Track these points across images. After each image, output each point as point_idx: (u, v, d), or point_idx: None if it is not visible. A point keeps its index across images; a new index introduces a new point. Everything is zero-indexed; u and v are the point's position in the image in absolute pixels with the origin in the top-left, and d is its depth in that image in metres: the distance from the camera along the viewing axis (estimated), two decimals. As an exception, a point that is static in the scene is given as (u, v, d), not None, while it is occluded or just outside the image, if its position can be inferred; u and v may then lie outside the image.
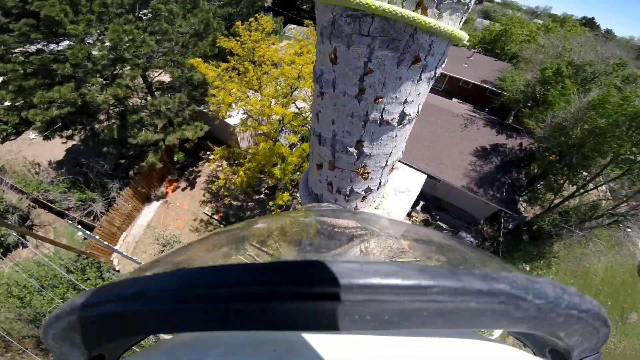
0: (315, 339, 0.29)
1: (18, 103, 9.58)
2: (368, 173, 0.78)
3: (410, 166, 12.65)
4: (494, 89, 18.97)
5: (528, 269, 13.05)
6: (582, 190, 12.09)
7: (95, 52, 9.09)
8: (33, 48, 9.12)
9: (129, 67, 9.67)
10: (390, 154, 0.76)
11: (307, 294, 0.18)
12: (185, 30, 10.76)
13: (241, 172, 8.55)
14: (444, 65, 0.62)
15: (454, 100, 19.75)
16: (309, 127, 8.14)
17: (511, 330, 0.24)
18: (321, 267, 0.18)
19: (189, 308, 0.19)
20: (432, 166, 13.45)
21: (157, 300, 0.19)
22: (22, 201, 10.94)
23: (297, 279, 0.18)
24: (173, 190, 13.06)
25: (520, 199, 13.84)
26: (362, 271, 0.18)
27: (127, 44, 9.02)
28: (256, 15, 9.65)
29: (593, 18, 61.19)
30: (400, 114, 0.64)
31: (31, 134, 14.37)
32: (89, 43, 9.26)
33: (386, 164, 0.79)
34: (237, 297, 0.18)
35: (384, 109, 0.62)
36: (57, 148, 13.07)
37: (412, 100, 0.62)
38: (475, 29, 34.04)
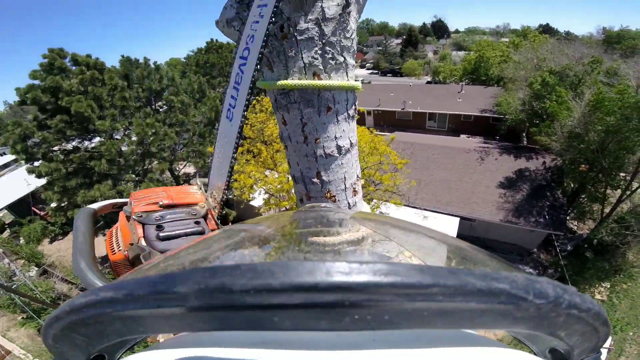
0: (316, 339, 0.29)
1: (64, 204, 10.20)
2: (334, 196, 1.00)
3: (439, 212, 12.29)
4: (494, 115, 19.15)
5: (608, 286, 11.37)
6: (628, 192, 11.21)
7: (124, 148, 9.87)
8: (70, 146, 9.90)
9: (156, 162, 10.44)
10: (345, 178, 1.00)
11: (307, 293, 0.18)
12: (199, 119, 11.69)
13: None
14: (355, 107, 0.90)
15: (462, 136, 19.94)
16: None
17: (511, 330, 0.24)
18: (321, 267, 0.18)
19: (185, 310, 0.20)
20: (461, 207, 12.88)
21: (149, 301, 0.20)
22: (72, 290, 11.48)
23: (297, 279, 0.18)
24: None
25: (567, 217, 12.80)
26: (362, 270, 0.18)
27: (152, 137, 9.78)
28: (257, 97, 10.35)
29: (548, 24, 63.15)
30: (336, 147, 0.90)
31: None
32: (117, 139, 10.09)
33: (345, 187, 1.02)
34: (237, 297, 0.18)
35: (323, 146, 0.88)
36: (101, 245, 13.96)
37: (340, 136, 0.89)
38: (454, 63, 35.67)
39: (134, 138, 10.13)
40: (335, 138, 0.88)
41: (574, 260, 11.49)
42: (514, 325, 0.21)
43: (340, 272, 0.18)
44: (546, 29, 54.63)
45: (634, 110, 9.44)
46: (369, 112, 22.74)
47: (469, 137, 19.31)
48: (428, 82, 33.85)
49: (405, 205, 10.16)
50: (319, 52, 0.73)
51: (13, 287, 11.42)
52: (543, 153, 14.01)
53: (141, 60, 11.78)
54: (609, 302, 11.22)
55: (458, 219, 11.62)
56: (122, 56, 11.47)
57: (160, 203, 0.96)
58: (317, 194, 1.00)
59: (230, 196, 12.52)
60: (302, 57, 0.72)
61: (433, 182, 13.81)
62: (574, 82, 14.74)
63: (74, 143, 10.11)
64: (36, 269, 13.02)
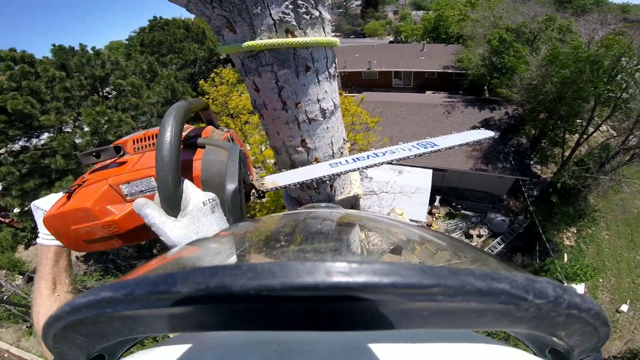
0: (316, 339, 0.29)
1: (27, 207, 9.51)
2: (319, 160, 0.96)
3: (413, 166, 12.78)
4: (457, 71, 19.76)
5: (575, 231, 12.48)
6: (585, 136, 12.16)
7: (78, 140, 9.19)
8: (17, 147, 9.11)
9: None
10: (332, 142, 0.96)
11: (307, 293, 0.18)
12: (155, 100, 10.92)
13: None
14: (335, 65, 0.84)
15: (428, 93, 20.42)
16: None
17: (511, 330, 0.24)
18: (321, 267, 0.18)
19: (184, 310, 0.20)
20: (433, 159, 13.52)
21: (149, 301, 0.20)
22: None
23: (297, 279, 0.18)
24: None
25: (531, 162, 13.75)
26: (363, 270, 0.18)
27: (106, 125, 9.15)
28: (215, 70, 9.85)
29: None
30: (319, 110, 0.84)
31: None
32: (68, 132, 9.41)
33: (333, 152, 0.98)
34: (237, 298, 0.18)
35: (305, 110, 0.82)
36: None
37: (323, 98, 0.83)
38: (415, 22, 35.77)
39: (86, 129, 9.42)
40: (318, 100, 0.82)
41: (542, 206, 12.39)
42: (514, 325, 0.22)
43: (341, 272, 0.18)
44: (501, -13, 54.62)
45: (587, 63, 10.27)
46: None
47: (434, 93, 19.90)
48: (391, 42, 33.64)
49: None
50: (290, 6, 0.65)
51: (4, 298, 10.92)
52: (505, 104, 14.81)
53: (77, 48, 10.65)
54: (577, 247, 12.33)
55: (431, 170, 12.17)
56: (54, 45, 10.31)
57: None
58: (303, 163, 0.96)
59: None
60: (271, 14, 0.64)
61: (404, 137, 14.23)
62: (530, 38, 15.66)
63: (20, 143, 9.32)
64: (21, 277, 12.52)
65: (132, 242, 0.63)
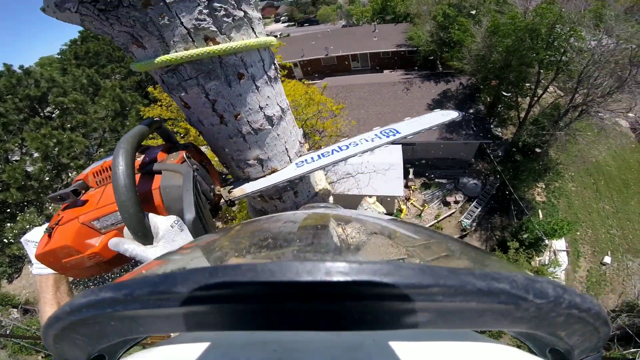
0: (316, 339, 0.29)
1: None
2: (277, 170, 0.89)
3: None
4: (409, 49, 20.12)
5: (543, 186, 13.16)
6: (536, 98, 12.90)
7: (30, 168, 8.49)
8: None
9: (74, 172, 9.21)
10: (286, 149, 0.89)
11: (307, 293, 0.18)
12: (104, 114, 10.21)
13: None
14: (275, 66, 0.76)
15: (385, 72, 20.69)
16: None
17: (512, 330, 0.24)
18: (320, 267, 0.18)
19: (184, 310, 0.20)
20: (400, 134, 13.91)
21: (149, 301, 0.20)
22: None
23: (297, 279, 0.18)
24: None
25: (491, 126, 14.45)
26: (362, 270, 0.18)
27: (57, 149, 8.48)
28: (164, 75, 9.44)
29: None
30: (264, 118, 0.76)
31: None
32: (16, 160, 8.72)
33: (290, 158, 0.91)
34: (237, 298, 0.18)
35: (247, 121, 0.74)
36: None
37: (267, 104, 0.75)
38: (364, 5, 36.09)
39: (35, 154, 8.72)
40: (261, 108, 0.74)
41: (508, 165, 12.95)
42: (514, 325, 0.22)
43: (340, 272, 0.18)
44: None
45: (526, 32, 10.91)
46: (295, 64, 22.53)
47: (391, 72, 20.15)
48: (344, 26, 33.57)
49: None
50: (205, 11, 0.56)
51: (7, 332, 10.49)
52: (458, 75, 15.39)
53: (1, 69, 9.68)
54: (549, 202, 12.93)
55: (400, 146, 12.42)
56: None
57: None
58: (258, 175, 0.89)
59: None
60: (182, 22, 0.55)
61: (370, 118, 14.53)
62: (470, 12, 16.21)
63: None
64: (15, 310, 11.87)
65: (123, 264, 0.68)
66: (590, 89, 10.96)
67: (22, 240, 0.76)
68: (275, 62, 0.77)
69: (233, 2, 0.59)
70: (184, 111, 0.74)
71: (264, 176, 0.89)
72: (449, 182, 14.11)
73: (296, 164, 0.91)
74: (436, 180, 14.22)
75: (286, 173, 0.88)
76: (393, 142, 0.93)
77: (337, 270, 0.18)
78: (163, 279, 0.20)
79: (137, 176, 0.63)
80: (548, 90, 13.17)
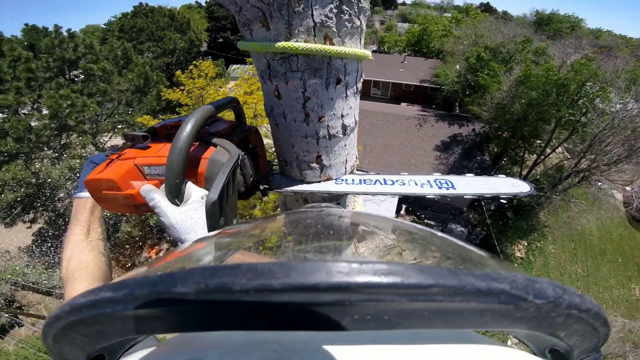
0: (316, 339, 0.29)
1: None
2: (332, 179, 0.89)
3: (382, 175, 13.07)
4: (432, 85, 20.47)
5: (526, 244, 13.35)
6: (542, 157, 13.05)
7: (34, 123, 8.52)
8: None
9: (76, 135, 9.18)
10: (346, 160, 0.88)
11: (307, 293, 0.18)
12: (125, 87, 10.30)
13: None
14: (362, 80, 0.77)
15: (403, 104, 21.02)
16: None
17: (511, 330, 0.25)
18: (321, 267, 0.18)
19: (184, 310, 0.20)
20: (401, 169, 13.94)
21: (147, 302, 0.20)
22: (1, 286, 10.39)
23: (298, 279, 0.18)
24: (156, 253, 12.48)
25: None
26: (363, 270, 0.18)
27: (68, 110, 8.52)
28: (194, 62, 9.41)
29: (488, 2, 68.11)
30: (341, 126, 0.76)
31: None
32: (24, 114, 8.72)
33: (346, 170, 0.91)
34: (237, 297, 0.18)
35: (328, 125, 0.74)
36: (22, 234, 12.59)
37: (347, 114, 0.75)
38: (400, 34, 36.87)
39: (45, 112, 8.67)
40: (342, 116, 0.74)
41: (498, 219, 13.07)
42: (514, 325, 0.22)
43: (341, 272, 0.18)
44: (486, 8, 58.65)
45: (554, 86, 10.76)
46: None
47: (408, 105, 20.46)
48: (374, 51, 34.34)
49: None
50: (335, 10, 0.57)
51: None
52: (473, 121, 15.53)
53: (51, 29, 9.89)
54: (527, 259, 13.07)
55: (399, 180, 12.48)
56: (26, 25, 9.57)
57: None
58: (313, 179, 0.88)
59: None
60: (313, 15, 0.56)
61: (377, 146, 14.65)
62: (506, 58, 16.28)
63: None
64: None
65: (144, 213, 0.72)
66: (599, 155, 10.89)
67: (88, 159, 0.79)
68: (363, 75, 0.78)
69: (356, 9, 0.60)
70: (271, 101, 0.73)
71: (319, 182, 0.88)
72: (437, 225, 14.16)
73: (334, 181, 0.90)
74: (426, 220, 14.27)
75: (325, 186, 0.88)
76: (442, 196, 0.85)
77: (337, 271, 0.18)
78: (163, 278, 0.20)
79: (197, 142, 0.69)
80: (556, 151, 13.29)
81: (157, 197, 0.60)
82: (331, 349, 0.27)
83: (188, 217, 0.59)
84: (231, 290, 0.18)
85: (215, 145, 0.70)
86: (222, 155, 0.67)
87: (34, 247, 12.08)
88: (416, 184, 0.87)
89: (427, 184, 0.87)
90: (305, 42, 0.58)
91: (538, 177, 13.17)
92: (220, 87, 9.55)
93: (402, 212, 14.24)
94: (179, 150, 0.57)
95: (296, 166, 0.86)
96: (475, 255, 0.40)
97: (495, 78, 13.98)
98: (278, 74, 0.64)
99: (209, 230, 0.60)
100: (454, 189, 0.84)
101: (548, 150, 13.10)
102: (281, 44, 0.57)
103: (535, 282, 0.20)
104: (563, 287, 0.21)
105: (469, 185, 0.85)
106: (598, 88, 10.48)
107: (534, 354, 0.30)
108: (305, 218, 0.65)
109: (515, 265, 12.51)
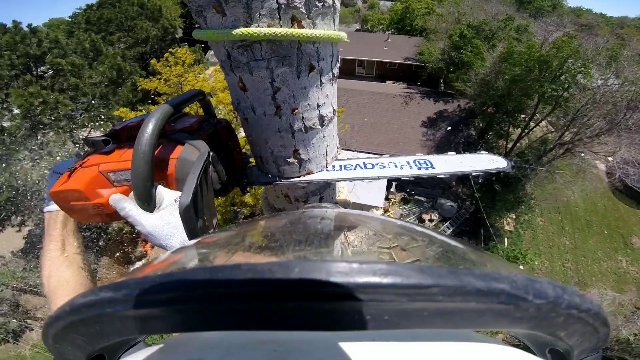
0: (316, 339, 0.29)
1: None
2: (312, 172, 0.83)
3: (372, 153, 13.09)
4: (417, 63, 20.28)
5: (514, 217, 13.73)
6: (527, 130, 13.28)
7: (7, 124, 8.27)
8: None
9: (52, 133, 8.92)
10: (327, 152, 0.83)
11: (307, 293, 0.18)
12: (98, 80, 9.96)
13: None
14: (339, 65, 0.70)
15: (388, 82, 20.82)
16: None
17: (511, 330, 0.24)
18: (321, 267, 0.18)
19: (184, 309, 0.19)
20: (390, 147, 14.04)
21: (148, 302, 0.19)
22: (3, 292, 10.41)
23: (299, 279, 0.17)
24: (151, 247, 12.42)
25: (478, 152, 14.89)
26: (363, 270, 0.18)
27: (40, 108, 8.24)
28: (170, 50, 9.08)
29: None
30: (318, 117, 0.70)
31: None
32: None
33: (327, 162, 0.85)
34: (237, 298, 0.18)
35: (303, 117, 0.68)
36: (14, 237, 12.35)
37: (324, 103, 0.69)
38: (382, 12, 36.04)
39: (16, 111, 8.33)
40: (318, 106, 0.68)
41: (486, 193, 13.29)
42: (514, 325, 0.22)
43: (340, 272, 0.18)
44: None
45: (536, 63, 10.97)
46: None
47: (394, 83, 20.32)
48: (357, 30, 33.50)
49: (343, 149, 10.82)
50: (302, -14, 0.49)
51: None
52: (458, 97, 15.62)
53: (9, 25, 9.37)
54: (516, 232, 13.44)
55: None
56: None
57: None
58: (292, 175, 0.82)
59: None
60: (276, -6, 0.48)
61: (365, 125, 14.65)
62: (488, 35, 16.39)
63: None
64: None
65: (120, 220, 0.68)
66: (581, 128, 11.28)
67: (52, 169, 0.76)
68: (339, 59, 0.71)
69: (326, -14, 0.53)
70: (237, 94, 0.66)
71: (299, 177, 0.83)
72: (427, 201, 14.40)
73: (330, 168, 0.86)
74: (415, 197, 14.49)
75: (313, 176, 0.83)
76: (421, 177, 0.84)
77: (337, 271, 0.18)
78: (162, 278, 0.20)
79: (164, 141, 0.65)
80: (540, 124, 13.56)
81: (128, 206, 0.57)
82: (331, 348, 0.27)
83: (164, 222, 0.57)
84: (231, 290, 0.18)
85: (183, 143, 0.65)
86: (192, 153, 0.63)
87: (27, 250, 11.93)
88: (396, 166, 0.85)
89: (406, 166, 0.85)
90: (268, 26, 0.51)
91: (524, 150, 13.42)
92: (200, 74, 9.20)
93: (392, 189, 14.39)
94: (142, 154, 0.53)
95: (272, 162, 0.80)
96: (476, 253, 0.39)
97: (478, 55, 14.10)
98: (240, 65, 0.57)
99: (187, 233, 0.57)
100: (433, 168, 0.83)
101: (532, 124, 13.41)
102: (240, 30, 0.49)
103: (535, 282, 0.20)
104: (563, 287, 0.21)
105: (448, 163, 0.84)
106: (580, 65, 10.78)
107: (534, 354, 0.29)
108: (290, 218, 0.62)
109: (506, 238, 13.02)
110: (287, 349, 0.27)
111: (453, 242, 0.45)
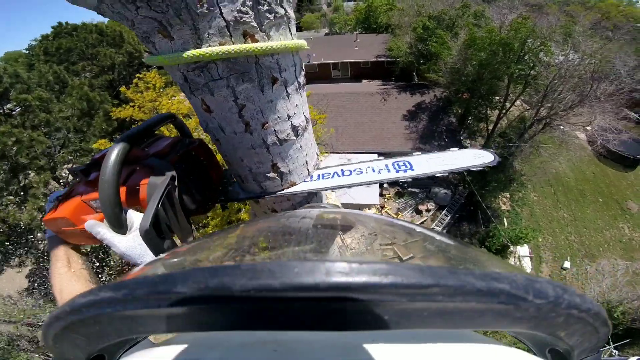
0: (316, 339, 0.29)
1: None
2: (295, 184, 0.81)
3: (359, 153, 13.23)
4: (388, 59, 20.66)
5: (508, 196, 13.97)
6: (504, 111, 13.67)
7: None
8: None
9: (33, 174, 8.68)
10: (306, 162, 0.81)
11: (307, 293, 0.18)
12: (69, 113, 9.72)
13: (209, 231, 8.13)
14: (304, 73, 0.68)
15: (364, 81, 21.10)
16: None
17: (511, 330, 0.24)
18: (321, 267, 0.18)
19: (184, 310, 0.19)
20: (376, 144, 14.20)
21: (149, 301, 0.19)
22: (19, 329, 10.22)
23: (297, 279, 0.17)
24: None
25: (462, 137, 15.11)
26: (363, 270, 0.18)
27: (15, 148, 8.01)
28: (137, 75, 8.82)
29: None
30: (291, 128, 0.69)
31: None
32: None
33: (309, 172, 0.83)
34: (236, 298, 0.18)
35: (275, 130, 0.66)
36: (16, 277, 11.96)
37: (294, 113, 0.67)
38: (347, 13, 36.59)
39: None
40: (289, 117, 0.66)
41: (477, 175, 13.43)
42: (514, 325, 0.22)
43: (340, 272, 0.18)
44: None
45: (499, 46, 11.49)
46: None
47: (370, 82, 20.57)
48: (327, 34, 33.92)
49: (330, 153, 10.84)
50: (249, 3, 0.48)
51: None
52: (433, 87, 15.98)
53: None
54: (513, 211, 13.65)
55: (375, 155, 12.62)
56: None
57: None
58: (276, 189, 0.80)
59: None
60: (222, 13, 0.47)
61: (348, 126, 14.81)
62: (449, 24, 16.97)
63: None
64: None
65: None
66: (554, 102, 11.76)
67: (51, 197, 0.80)
68: (303, 67, 0.70)
69: (275, -3, 0.52)
70: (202, 116, 0.64)
71: (282, 190, 0.81)
72: (421, 191, 14.53)
73: (314, 177, 0.84)
74: (409, 189, 14.60)
75: (293, 188, 0.82)
76: (400, 180, 0.79)
77: (337, 271, 0.18)
78: (163, 278, 0.20)
79: (138, 167, 0.68)
80: (515, 103, 13.99)
81: (102, 230, 0.61)
82: (331, 348, 0.27)
83: (136, 243, 0.61)
84: (231, 290, 0.18)
85: (153, 168, 0.68)
86: (159, 177, 0.65)
87: (33, 288, 11.65)
88: (374, 171, 0.82)
89: (384, 169, 0.81)
90: (220, 44, 0.49)
91: (505, 129, 13.74)
92: (174, 96, 9.05)
93: (385, 185, 14.49)
94: (107, 184, 0.57)
95: (252, 180, 0.78)
96: (476, 253, 0.39)
97: (444, 45, 14.52)
98: (199, 86, 0.55)
99: (154, 253, 0.60)
100: (412, 170, 0.78)
101: (508, 105, 13.83)
102: (191, 52, 0.47)
103: (536, 282, 0.20)
104: (563, 287, 0.21)
105: (429, 163, 0.79)
106: (539, 43, 11.33)
107: (534, 354, 0.29)
108: (274, 220, 0.63)
109: (505, 218, 13.16)
110: (287, 349, 0.27)
111: (445, 238, 0.45)
